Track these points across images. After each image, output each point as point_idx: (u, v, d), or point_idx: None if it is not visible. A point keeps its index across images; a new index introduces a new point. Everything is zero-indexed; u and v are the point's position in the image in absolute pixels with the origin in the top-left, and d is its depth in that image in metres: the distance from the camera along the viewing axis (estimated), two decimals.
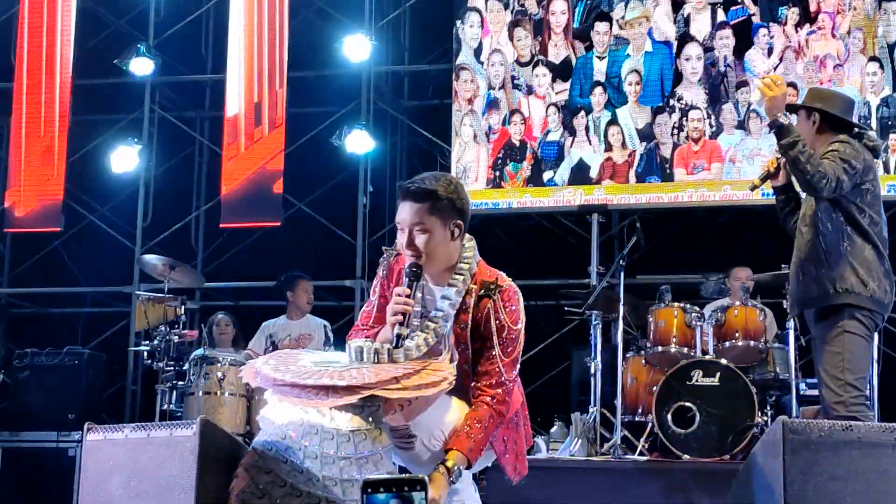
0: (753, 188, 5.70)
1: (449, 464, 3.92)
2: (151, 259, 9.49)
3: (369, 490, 1.77)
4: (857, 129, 5.62)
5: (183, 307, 9.06)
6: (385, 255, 4.37)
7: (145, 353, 9.00)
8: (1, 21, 11.86)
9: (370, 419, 3.94)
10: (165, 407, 8.62)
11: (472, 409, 4.11)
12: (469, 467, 4.06)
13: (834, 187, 5.22)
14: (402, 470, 4.29)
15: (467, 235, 4.24)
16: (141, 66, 10.95)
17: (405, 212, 4.10)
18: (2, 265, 12.17)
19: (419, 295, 4.17)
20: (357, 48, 10.60)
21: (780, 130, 5.25)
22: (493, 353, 4.13)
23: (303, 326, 9.09)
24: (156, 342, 8.81)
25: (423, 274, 4.14)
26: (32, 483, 9.17)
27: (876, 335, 7.07)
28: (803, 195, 5.59)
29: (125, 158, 11.00)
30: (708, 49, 9.88)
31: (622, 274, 7.77)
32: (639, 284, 9.38)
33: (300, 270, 9.41)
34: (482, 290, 4.18)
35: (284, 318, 9.18)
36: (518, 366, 4.20)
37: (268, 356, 4.29)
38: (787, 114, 5.47)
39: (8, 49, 11.80)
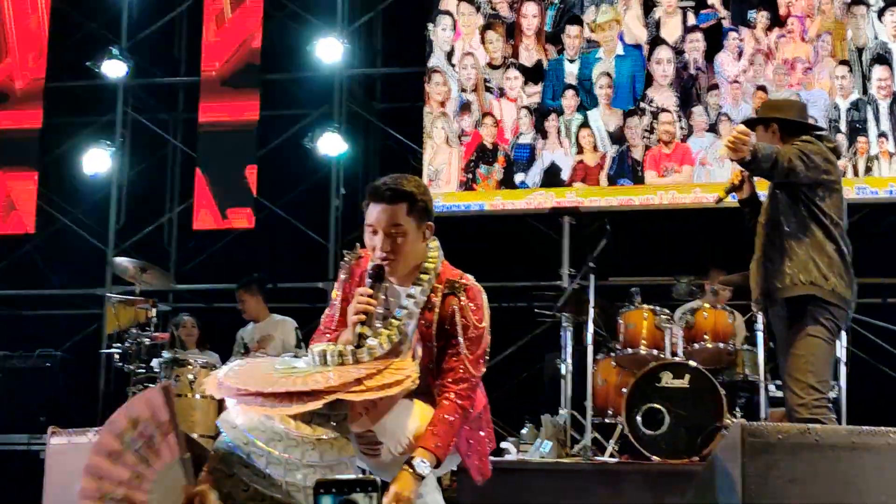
0: (719, 201, 5.74)
1: (414, 461, 3.93)
2: (123, 261, 9.46)
3: (321, 491, 1.79)
4: (815, 132, 5.70)
5: (154, 310, 9.05)
6: (347, 259, 4.37)
7: (117, 356, 8.98)
8: None
9: (336, 428, 3.95)
10: None
11: (437, 407, 4.12)
12: (438, 464, 4.06)
13: (786, 167, 5.28)
14: None
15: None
16: (114, 69, 10.94)
17: (380, 214, 4.08)
18: None
19: (382, 296, 4.18)
20: (330, 51, 10.63)
21: (749, 164, 5.30)
22: (457, 349, 4.14)
23: (264, 328, 9.12)
24: (127, 344, 8.80)
25: (386, 275, 4.15)
26: (2, 486, 9.13)
27: (843, 335, 7.18)
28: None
29: (98, 161, 11.00)
30: (679, 52, 9.93)
31: (592, 276, 7.79)
32: (610, 287, 9.39)
33: (254, 276, 9.41)
34: (447, 289, 4.19)
35: (252, 323, 9.22)
36: (483, 364, 4.21)
37: (229, 366, 4.28)
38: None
39: None
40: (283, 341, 8.97)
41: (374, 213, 4.10)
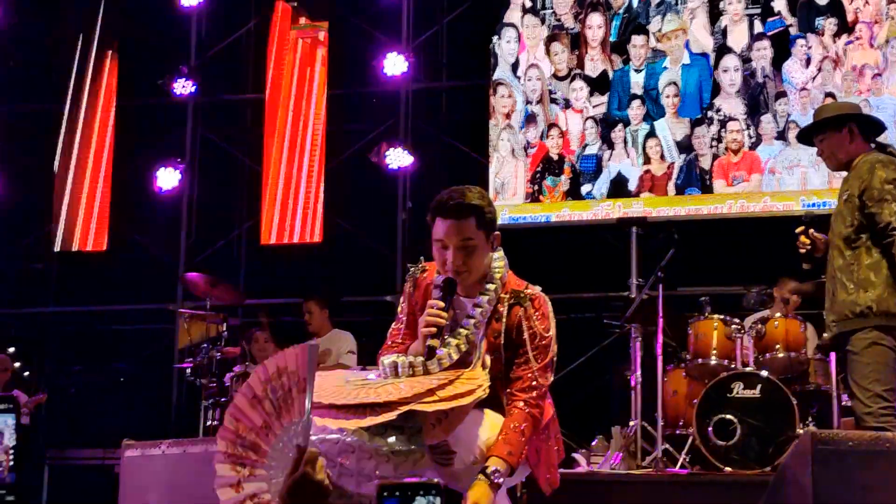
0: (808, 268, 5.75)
1: (488, 469, 3.93)
2: (194, 277, 9.57)
3: (385, 494, 1.79)
4: (877, 141, 5.65)
5: (225, 324, 9.14)
6: (412, 271, 4.39)
7: (188, 370, 9.08)
8: (45, 42, 12.05)
9: (410, 440, 3.96)
10: (209, 423, 8.68)
11: (507, 415, 4.12)
12: (511, 472, 4.06)
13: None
14: None
15: None
16: (183, 87, 11.08)
17: (449, 229, 4.08)
18: (49, 284, 12.31)
19: (452, 310, 4.18)
20: (395, 65, 10.68)
21: None
22: (526, 358, 4.15)
23: (325, 343, 9.17)
24: (199, 359, 8.89)
25: (457, 288, 4.16)
26: (79, 500, 9.27)
27: None
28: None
29: (168, 178, 11.13)
30: (746, 60, 9.85)
31: (661, 286, 7.75)
32: (679, 296, 9.34)
33: (323, 289, 9.47)
34: (513, 299, 4.19)
35: (315, 338, 9.29)
36: (551, 373, 4.21)
37: None
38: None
39: (56, 71, 11.97)
40: (339, 355, 9.01)
41: (442, 228, 4.11)
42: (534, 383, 4.13)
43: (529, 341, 4.15)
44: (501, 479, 3.95)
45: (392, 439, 3.93)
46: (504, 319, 4.17)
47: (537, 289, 4.25)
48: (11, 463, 2.15)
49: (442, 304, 4.08)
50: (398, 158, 10.55)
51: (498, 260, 4.25)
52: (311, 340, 9.28)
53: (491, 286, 4.18)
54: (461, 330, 4.13)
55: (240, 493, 2.94)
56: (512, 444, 4.02)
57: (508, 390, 4.16)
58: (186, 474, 4.43)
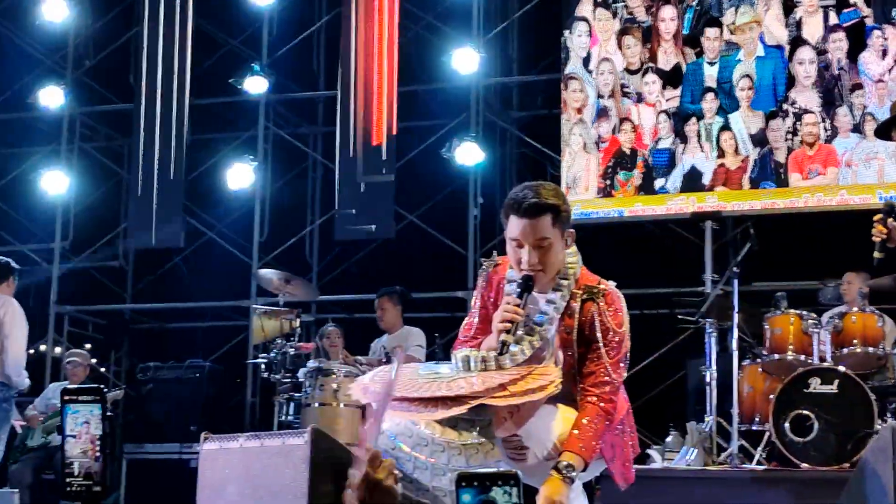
0: (877, 262, 5.63)
1: (561, 465, 3.93)
2: (267, 273, 9.65)
3: (462, 484, 1.79)
4: None
5: (298, 320, 9.19)
6: (484, 266, 4.39)
7: (263, 366, 9.15)
8: (120, 43, 12.20)
9: (481, 433, 3.97)
10: (283, 418, 8.73)
11: (580, 410, 4.11)
12: (585, 467, 4.05)
13: None
14: None
15: None
16: (255, 85, 11.18)
17: (525, 228, 4.05)
18: (124, 282, 12.49)
19: (526, 307, 4.18)
20: (466, 60, 10.68)
21: None
22: (598, 353, 4.13)
23: (396, 339, 9.20)
24: (273, 354, 8.95)
25: (534, 286, 4.15)
26: (156, 494, 9.37)
27: None
28: None
29: (241, 175, 11.23)
30: (821, 52, 9.72)
31: (736, 281, 7.67)
32: (754, 291, 9.24)
33: (396, 285, 9.49)
34: (586, 294, 4.18)
35: (386, 334, 9.33)
36: (624, 368, 4.19)
37: (374, 371, 4.34)
38: None
39: (128, 71, 12.14)
40: (408, 350, 9.03)
41: (518, 226, 4.08)
42: (606, 378, 4.11)
43: (602, 336, 4.13)
44: (574, 474, 3.94)
45: (464, 432, 3.94)
46: (577, 315, 4.16)
47: (610, 284, 4.23)
48: (98, 452, 2.18)
49: (518, 300, 4.08)
50: (469, 154, 10.55)
51: (571, 256, 4.23)
52: (381, 338, 9.33)
53: (565, 282, 4.17)
54: (535, 326, 4.13)
55: None
56: (585, 440, 4.01)
57: (581, 385, 4.15)
58: (264, 467, 4.46)
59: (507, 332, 4.04)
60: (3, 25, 12.60)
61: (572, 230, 4.18)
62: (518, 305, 4.07)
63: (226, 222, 11.91)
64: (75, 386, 8.77)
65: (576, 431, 4.02)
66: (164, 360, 10.48)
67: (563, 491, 3.88)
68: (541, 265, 4.10)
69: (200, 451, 4.71)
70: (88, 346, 11.58)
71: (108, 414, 2.20)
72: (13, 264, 8.57)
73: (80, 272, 12.39)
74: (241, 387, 11.01)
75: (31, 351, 11.75)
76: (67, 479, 2.19)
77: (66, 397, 2.21)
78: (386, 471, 2.57)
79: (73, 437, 2.19)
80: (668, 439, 8.08)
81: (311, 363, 8.71)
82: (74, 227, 12.25)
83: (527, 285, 4.11)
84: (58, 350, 11.55)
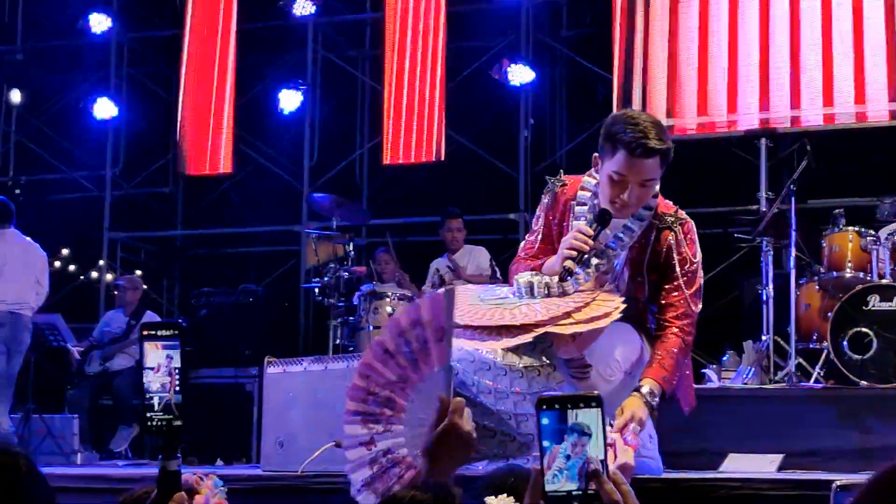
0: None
1: (644, 389, 3.94)
2: (319, 197, 9.66)
3: (544, 407, 1.77)
4: None
5: (351, 244, 9.21)
6: (551, 185, 4.35)
7: (316, 290, 9.19)
8: None
9: (542, 355, 3.98)
10: (338, 342, 8.79)
11: (660, 339, 4.12)
12: (664, 395, 4.07)
13: None
14: None
15: None
16: (302, 8, 11.10)
17: (637, 167, 4.00)
18: (175, 208, 12.55)
19: (598, 241, 4.14)
20: None
21: None
22: (677, 284, 4.12)
23: (461, 259, 9.20)
24: (326, 279, 8.98)
25: (610, 220, 4.11)
26: (213, 418, 9.49)
27: None
28: None
29: (290, 99, 11.21)
30: None
31: (793, 199, 7.59)
32: (810, 209, 9.13)
33: (453, 206, 9.49)
34: (661, 223, 4.15)
35: (446, 255, 9.32)
36: (700, 300, 4.19)
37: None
38: None
39: None
40: (480, 269, 9.02)
41: (627, 164, 4.01)
42: (686, 310, 4.13)
43: (679, 266, 4.13)
44: (656, 401, 3.96)
45: (524, 356, 3.96)
46: (651, 244, 4.14)
47: (685, 214, 4.21)
48: (177, 385, 2.18)
49: (591, 231, 4.05)
50: (520, 74, 10.45)
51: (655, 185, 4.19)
52: (439, 259, 9.31)
53: (647, 212, 4.13)
54: (606, 249, 4.11)
55: (372, 450, 2.95)
56: (667, 370, 4.04)
57: (661, 316, 4.16)
58: (328, 390, 4.49)
59: (573, 259, 4.02)
60: None
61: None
62: (591, 237, 4.04)
63: (275, 147, 11.91)
64: (141, 320, 8.91)
65: (659, 359, 4.04)
66: (216, 285, 10.55)
67: (645, 410, 3.92)
68: (638, 202, 4.06)
69: (264, 374, 4.75)
70: (139, 272, 11.67)
71: (187, 349, 2.20)
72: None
73: (132, 199, 12.46)
74: (295, 311, 11.07)
75: (83, 278, 11.92)
76: (148, 415, 2.20)
77: (146, 332, 2.21)
78: (469, 421, 2.56)
79: (152, 369, 2.19)
80: (725, 358, 8.05)
81: (365, 286, 8.74)
82: (125, 153, 12.29)
83: (604, 220, 4.08)
84: (110, 277, 11.64)
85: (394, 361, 2.90)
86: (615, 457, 2.20)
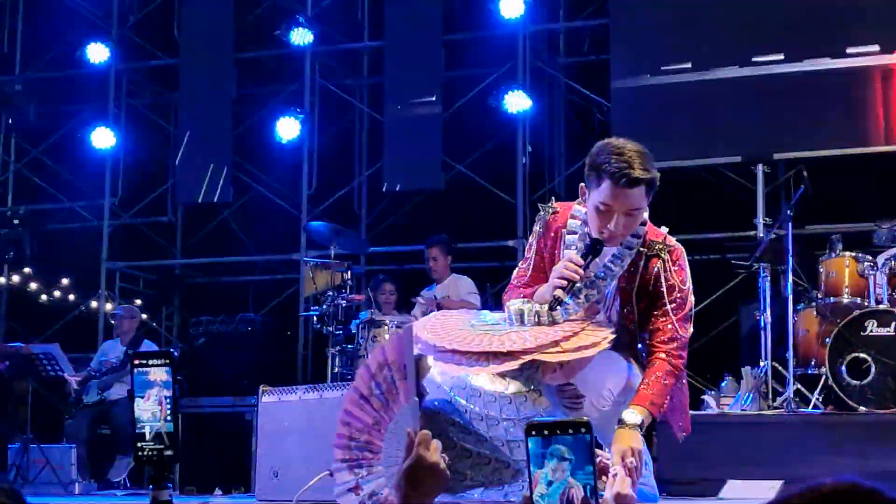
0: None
1: (632, 418, 3.92)
2: (317, 226, 9.67)
3: (532, 433, 1.77)
4: None
5: (349, 272, 9.22)
6: (543, 212, 4.35)
7: (315, 318, 9.19)
8: None
9: (528, 381, 3.98)
10: (336, 370, 8.78)
11: (648, 365, 4.11)
12: (653, 421, 4.06)
13: None
14: None
15: None
16: (300, 37, 11.14)
17: (621, 197, 3.97)
18: (175, 237, 12.55)
19: (588, 270, 4.14)
20: (511, 7, 10.56)
21: None
22: (665, 310, 4.11)
23: (445, 289, 9.21)
24: (324, 307, 8.98)
25: (602, 250, 4.12)
26: (212, 447, 9.47)
27: None
28: None
29: (288, 128, 11.23)
30: None
31: (790, 224, 7.60)
32: (808, 235, 9.14)
33: (450, 234, 9.53)
34: (650, 250, 4.15)
35: (434, 284, 9.33)
36: (690, 324, 4.18)
37: (426, 319, 4.33)
38: None
39: (172, 26, 12.14)
40: (460, 297, 9.04)
41: (612, 194, 3.98)
42: (674, 334, 4.11)
43: (667, 293, 4.12)
44: (643, 427, 3.95)
45: (511, 382, 3.96)
46: (640, 271, 4.14)
47: (674, 240, 4.21)
48: (168, 414, 2.18)
49: (581, 261, 4.05)
50: (517, 102, 10.48)
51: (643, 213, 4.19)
52: (428, 287, 9.31)
53: (635, 240, 4.13)
54: (595, 280, 4.11)
55: (359, 494, 2.95)
56: (654, 395, 4.02)
57: (649, 342, 4.15)
58: (323, 419, 4.47)
59: (563, 289, 4.03)
60: None
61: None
62: (581, 266, 4.04)
63: (274, 176, 11.92)
64: (138, 349, 8.90)
65: (646, 386, 4.03)
66: (215, 314, 10.54)
67: (638, 439, 3.90)
68: (625, 231, 4.06)
69: (259, 403, 4.74)
70: (139, 301, 11.66)
71: (178, 378, 2.20)
72: None
73: (130, 228, 12.48)
74: (294, 340, 11.06)
75: (83, 308, 11.91)
76: (139, 444, 2.19)
77: (137, 361, 2.21)
78: (436, 452, 2.55)
79: (142, 398, 2.19)
80: (723, 384, 8.05)
81: (363, 314, 8.74)
82: (123, 183, 12.31)
83: (595, 250, 4.08)
84: (109, 307, 11.63)
85: (369, 405, 2.91)
86: (612, 484, 2.19)
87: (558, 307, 4.02)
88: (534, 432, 1.78)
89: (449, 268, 9.44)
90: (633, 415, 3.93)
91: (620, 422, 3.92)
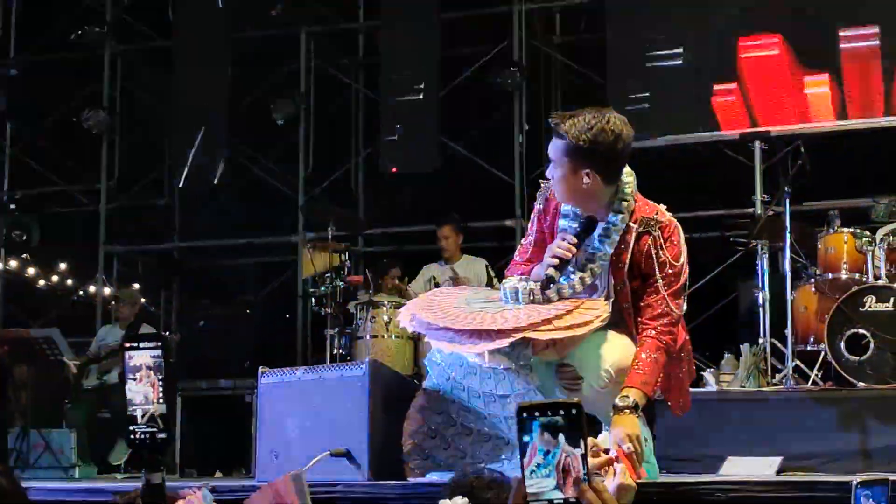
0: None
1: (626, 402, 3.91)
2: (315, 207, 9.64)
3: (524, 415, 1.76)
4: None
5: (347, 253, 9.19)
6: (542, 189, 4.36)
7: (313, 300, 9.17)
8: None
9: (520, 358, 4.00)
10: (335, 351, 8.77)
11: (639, 345, 4.10)
12: (649, 401, 4.06)
13: None
14: None
15: (626, 170, 4.19)
16: (295, 17, 11.10)
17: (551, 144, 4.21)
18: (172, 220, 12.52)
19: (584, 247, 4.16)
20: None
21: None
22: (656, 286, 4.11)
23: (460, 269, 9.16)
24: (323, 288, 8.96)
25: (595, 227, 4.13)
26: (212, 430, 9.47)
27: None
28: None
29: (285, 109, 11.18)
30: None
31: (787, 201, 7.59)
32: (805, 211, 9.13)
33: (451, 213, 9.47)
34: (641, 227, 4.14)
35: (443, 262, 9.29)
36: (683, 300, 4.18)
37: (423, 296, 4.34)
38: None
39: (166, 7, 12.08)
40: (477, 279, 9.00)
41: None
42: (664, 310, 4.10)
43: (658, 270, 4.11)
44: (639, 407, 3.95)
45: (501, 358, 3.98)
46: (630, 249, 4.13)
47: (668, 215, 4.21)
48: (161, 396, 2.16)
49: (575, 240, 4.07)
50: (513, 80, 10.44)
51: (627, 187, 4.18)
52: (430, 265, 9.28)
53: (618, 216, 4.12)
54: (589, 264, 4.12)
55: None
56: (645, 374, 4.01)
57: (639, 319, 4.15)
58: (324, 399, 4.49)
59: (556, 267, 4.04)
60: None
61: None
62: (574, 245, 4.06)
63: (271, 157, 11.89)
64: (137, 333, 8.89)
65: (636, 366, 4.02)
66: (214, 297, 10.53)
67: (636, 423, 3.90)
68: (558, 185, 4.11)
69: (259, 385, 4.74)
70: (137, 285, 11.64)
71: (171, 360, 2.18)
72: None
73: (128, 211, 12.43)
74: (292, 321, 11.05)
75: (81, 292, 11.90)
76: (131, 427, 2.17)
77: (128, 344, 2.19)
78: None
79: (135, 380, 2.17)
80: (722, 362, 8.05)
81: (362, 295, 8.73)
82: (120, 166, 12.27)
83: (589, 228, 4.10)
84: (108, 290, 11.61)
85: None
86: (614, 474, 2.17)
87: (551, 285, 4.03)
88: (525, 412, 1.77)
89: (460, 248, 9.40)
90: (625, 398, 3.93)
91: (615, 407, 3.92)
